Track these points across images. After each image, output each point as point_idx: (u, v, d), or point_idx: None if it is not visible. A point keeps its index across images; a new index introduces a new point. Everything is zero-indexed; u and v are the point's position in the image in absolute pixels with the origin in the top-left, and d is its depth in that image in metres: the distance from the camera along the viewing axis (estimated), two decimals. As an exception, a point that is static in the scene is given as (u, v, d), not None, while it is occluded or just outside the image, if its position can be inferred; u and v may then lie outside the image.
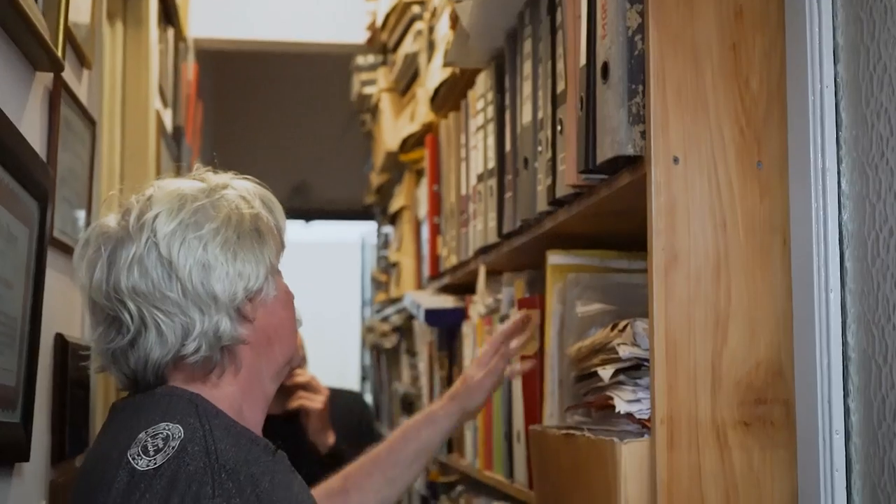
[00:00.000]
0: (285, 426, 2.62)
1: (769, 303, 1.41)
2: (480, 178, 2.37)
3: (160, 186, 1.44)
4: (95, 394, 1.97)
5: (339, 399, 2.96)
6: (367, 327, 4.64)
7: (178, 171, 1.56)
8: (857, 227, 1.29)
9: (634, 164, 1.48)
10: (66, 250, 1.79)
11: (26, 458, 1.47)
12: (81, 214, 1.86)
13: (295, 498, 1.42)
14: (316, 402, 2.71)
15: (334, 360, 6.55)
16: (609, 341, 1.57)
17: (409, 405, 3.78)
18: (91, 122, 1.92)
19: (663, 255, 1.41)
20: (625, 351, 1.51)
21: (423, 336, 3.36)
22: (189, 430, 1.31)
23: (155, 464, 1.27)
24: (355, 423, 3.16)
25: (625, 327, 1.53)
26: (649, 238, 1.42)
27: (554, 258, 1.91)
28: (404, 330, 3.86)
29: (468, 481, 2.75)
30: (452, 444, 2.88)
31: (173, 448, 1.28)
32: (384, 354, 4.52)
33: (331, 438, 2.73)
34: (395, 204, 3.94)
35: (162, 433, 1.30)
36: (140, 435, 1.30)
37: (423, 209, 3.31)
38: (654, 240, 1.41)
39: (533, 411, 1.99)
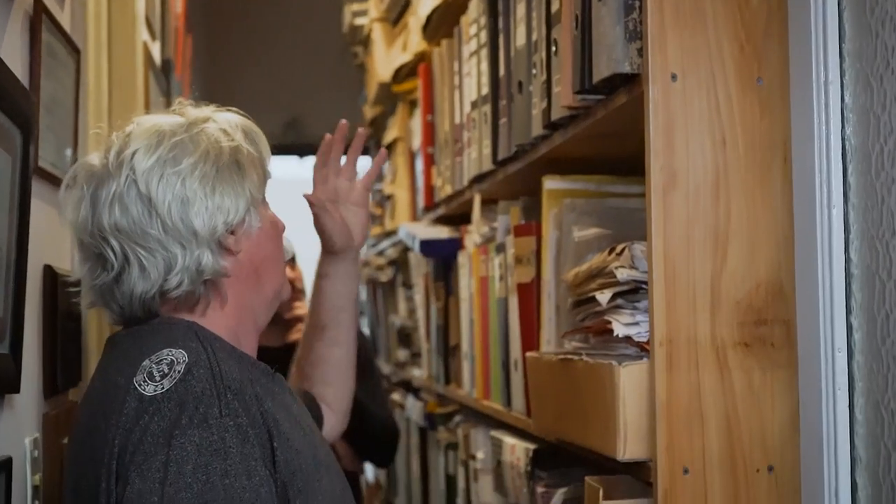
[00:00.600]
0: (284, 358, 2.61)
1: (770, 222, 1.38)
2: (474, 105, 2.33)
3: (139, 122, 1.44)
4: (88, 327, 1.95)
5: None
6: (363, 261, 4.62)
7: (168, 106, 1.56)
8: (860, 140, 1.26)
9: (631, 82, 1.45)
10: (53, 181, 1.76)
11: (16, 390, 1.45)
12: (67, 145, 1.82)
13: (294, 419, 1.43)
14: None
15: (331, 296, 6.51)
16: (606, 265, 1.54)
17: (405, 337, 3.77)
18: (75, 51, 1.88)
19: (661, 176, 1.38)
20: (623, 274, 1.48)
21: (419, 268, 3.34)
22: (192, 353, 1.33)
23: (162, 388, 1.29)
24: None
25: (622, 251, 1.51)
26: (647, 158, 1.39)
27: (550, 183, 1.88)
28: (400, 263, 3.84)
29: (466, 411, 2.75)
30: (450, 375, 2.87)
31: (179, 372, 1.31)
32: (380, 288, 4.50)
33: None
34: (389, 136, 3.90)
35: (166, 359, 1.33)
36: (144, 362, 1.33)
37: (416, 140, 3.27)
38: (651, 159, 1.39)
39: (530, 339, 1.98)
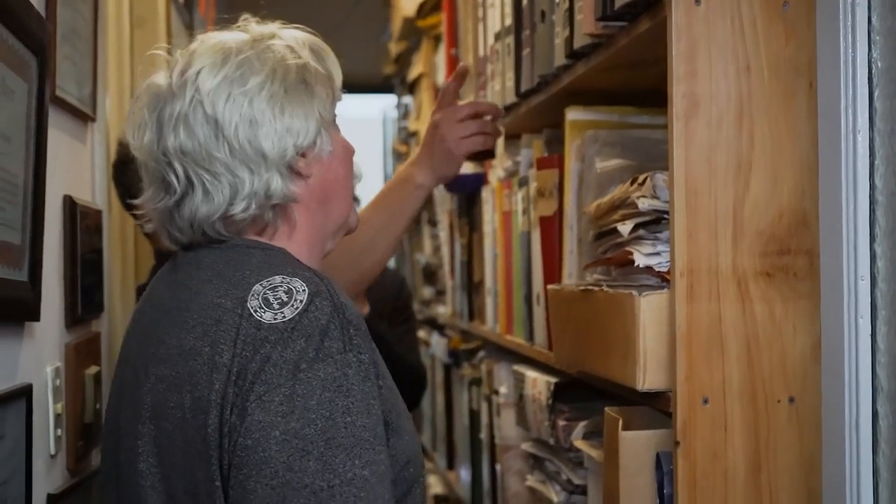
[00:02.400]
0: None
1: (794, 149, 1.36)
2: (497, 36, 2.30)
3: (203, 40, 1.37)
4: (110, 257, 1.95)
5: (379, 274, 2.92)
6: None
7: (191, 40, 1.45)
8: (887, 63, 1.23)
9: (654, 7, 1.42)
10: (73, 112, 1.76)
11: (36, 318, 1.45)
12: (87, 77, 1.81)
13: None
14: None
15: (358, 237, 6.50)
16: (628, 196, 1.52)
17: (430, 275, 3.77)
18: (93, -20, 1.86)
19: (684, 102, 1.36)
20: (644, 203, 1.46)
21: (444, 205, 3.33)
22: (311, 283, 1.27)
23: (283, 317, 1.23)
24: (391, 299, 3.13)
25: (644, 180, 1.48)
26: (669, 84, 1.37)
27: (573, 114, 1.86)
28: (425, 201, 3.82)
29: (490, 347, 2.75)
30: (474, 311, 2.87)
31: (301, 301, 1.25)
32: (406, 226, 4.50)
33: (364, 309, 2.71)
34: (414, 72, 3.88)
35: (282, 286, 1.26)
36: (255, 287, 1.26)
37: (441, 75, 3.25)
38: (674, 86, 1.36)
39: (552, 272, 1.96)
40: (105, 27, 2.03)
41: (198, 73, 1.32)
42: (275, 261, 1.31)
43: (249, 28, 1.40)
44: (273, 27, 1.41)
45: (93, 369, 1.77)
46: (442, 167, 1.98)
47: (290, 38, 1.40)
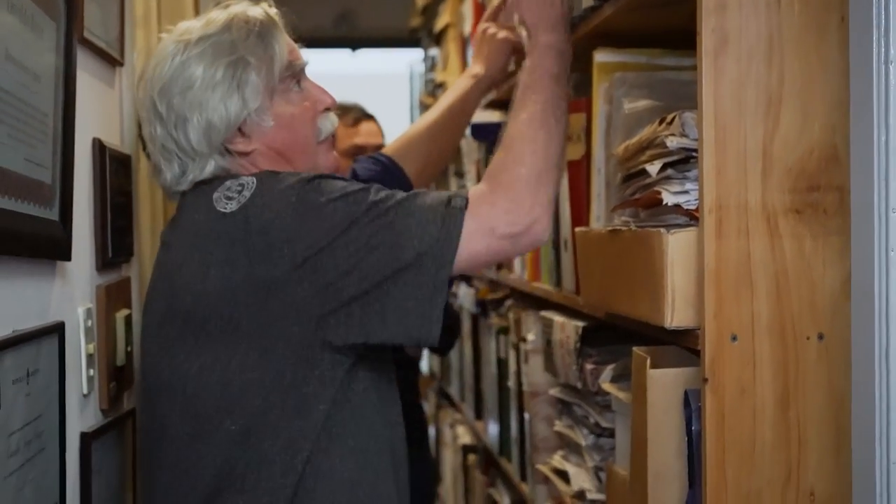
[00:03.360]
0: None
1: (825, 85, 1.35)
2: (525, -19, 2.28)
3: (164, 38, 1.63)
4: (139, 201, 1.96)
5: None
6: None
7: None
8: (920, -7, 1.21)
9: (683, -58, 1.40)
10: (102, 55, 1.76)
11: (67, 258, 1.46)
12: (115, 19, 1.81)
13: None
14: None
15: (385, 192, 6.49)
16: (657, 136, 1.51)
17: (457, 227, 3.76)
18: (120, -77, 1.86)
19: (713, 38, 1.35)
20: (672, 142, 1.45)
21: (471, 155, 3.32)
22: (259, 174, 1.54)
23: (245, 199, 1.49)
24: None
25: (673, 119, 1.47)
26: (698, 20, 1.36)
27: (600, 56, 1.85)
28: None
29: (517, 295, 2.75)
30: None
31: (252, 184, 1.51)
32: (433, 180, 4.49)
33: None
34: (440, 23, 3.85)
35: (235, 184, 1.52)
36: (215, 195, 1.52)
37: (467, 25, 3.23)
38: (703, 21, 1.35)
39: (580, 216, 1.96)
40: (132, -27, 2.03)
41: (154, 67, 1.60)
42: (231, 178, 1.56)
43: (209, 18, 1.62)
44: (234, 10, 1.63)
45: (123, 312, 1.79)
46: (493, 57, 2.19)
47: (238, 29, 1.60)
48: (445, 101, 2.23)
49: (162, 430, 1.54)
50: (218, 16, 1.62)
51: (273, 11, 1.66)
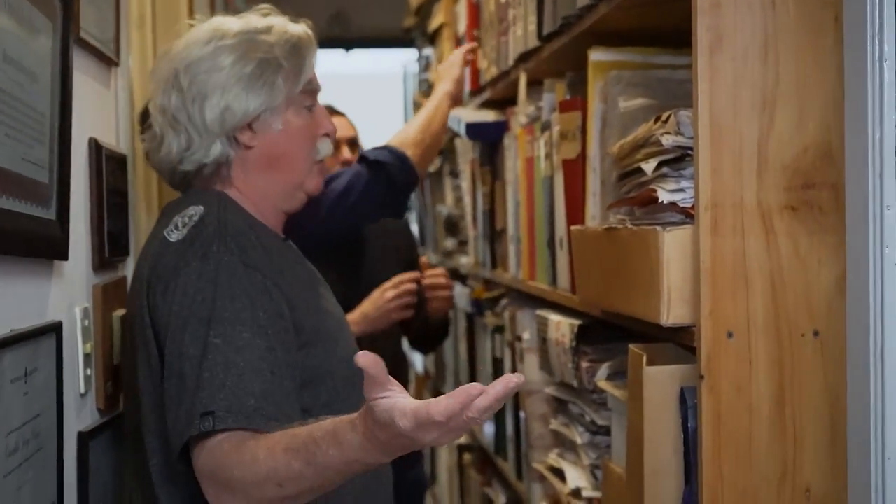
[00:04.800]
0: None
1: (819, 83, 1.35)
2: (519, -21, 2.29)
3: (208, 21, 1.71)
4: (136, 201, 1.96)
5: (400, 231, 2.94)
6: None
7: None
8: (915, -9, 1.22)
9: (678, -59, 1.41)
10: (98, 55, 1.76)
11: (64, 257, 1.47)
12: (110, 20, 1.81)
13: (299, 280, 1.69)
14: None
15: (379, 192, 6.49)
16: (652, 134, 1.52)
17: (452, 226, 3.77)
18: (115, -76, 1.86)
19: (708, 36, 1.35)
20: (668, 140, 1.46)
21: (466, 154, 3.33)
22: (207, 206, 1.61)
23: (182, 235, 1.58)
24: (413, 248, 3.13)
25: (668, 118, 1.48)
26: (693, 18, 1.36)
27: (596, 55, 1.85)
28: (447, 152, 3.82)
29: (513, 294, 2.76)
30: (496, 259, 2.87)
31: (195, 220, 1.59)
32: (428, 178, 4.50)
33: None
34: (435, 22, 3.85)
35: (189, 212, 1.61)
36: (175, 218, 1.61)
37: (462, 24, 3.23)
38: (698, 20, 1.35)
39: (575, 215, 1.96)
40: (127, -27, 2.03)
41: (185, 47, 1.66)
42: (200, 199, 1.65)
43: (250, 19, 1.71)
44: (273, 20, 1.72)
45: (120, 311, 1.79)
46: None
47: (278, 35, 1.70)
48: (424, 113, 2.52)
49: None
50: (258, 20, 1.73)
51: (311, 33, 1.77)
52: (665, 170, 1.49)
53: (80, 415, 1.61)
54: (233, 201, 1.68)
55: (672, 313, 1.40)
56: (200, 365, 1.46)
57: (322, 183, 1.82)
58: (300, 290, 1.66)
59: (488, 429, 3.12)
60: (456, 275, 3.80)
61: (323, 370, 1.62)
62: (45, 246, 1.38)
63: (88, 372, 1.63)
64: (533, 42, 2.17)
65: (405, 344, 3.01)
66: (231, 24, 1.70)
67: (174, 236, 1.58)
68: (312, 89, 1.75)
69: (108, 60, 1.81)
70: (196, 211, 1.61)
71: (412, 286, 2.54)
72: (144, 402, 1.57)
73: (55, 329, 1.41)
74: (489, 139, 2.88)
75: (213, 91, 1.65)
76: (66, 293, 1.55)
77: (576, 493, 1.93)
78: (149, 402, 1.56)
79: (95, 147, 1.68)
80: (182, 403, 1.45)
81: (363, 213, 2.36)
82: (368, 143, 3.00)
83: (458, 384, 3.80)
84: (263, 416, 1.43)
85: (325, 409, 1.51)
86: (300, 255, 1.79)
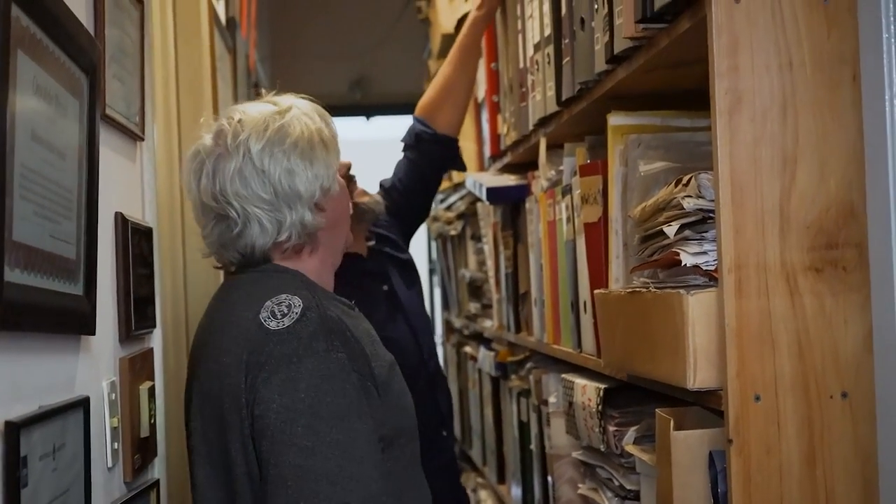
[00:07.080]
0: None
1: (839, 142, 1.36)
2: (537, 47, 2.32)
3: (244, 111, 1.79)
4: (163, 273, 1.98)
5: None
6: (433, 217, 4.61)
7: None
8: (931, 51, 1.22)
9: (694, 6, 1.42)
10: (123, 130, 1.79)
11: (92, 332, 1.48)
12: (135, 95, 1.84)
13: (371, 340, 1.79)
14: None
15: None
16: (673, 197, 1.53)
17: (476, 290, 3.78)
18: (139, 1, 1.90)
19: (727, 98, 1.36)
20: (689, 203, 1.47)
21: (487, 218, 3.34)
22: (305, 300, 1.69)
23: (283, 325, 1.65)
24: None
25: (689, 181, 1.49)
26: (711, 81, 1.37)
27: (615, 119, 1.87)
28: (469, 216, 3.84)
29: (537, 357, 2.75)
30: (520, 322, 2.87)
31: (296, 314, 1.66)
32: (450, 242, 4.51)
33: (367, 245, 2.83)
34: (454, 88, 3.87)
35: (285, 301, 1.68)
36: (267, 303, 1.68)
37: (481, 90, 3.26)
38: (716, 82, 1.37)
39: (598, 278, 1.97)
40: (150, 46, 2.06)
41: (247, 138, 1.74)
42: (285, 283, 1.73)
43: (275, 100, 1.82)
44: (289, 99, 1.83)
45: (147, 384, 1.80)
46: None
47: (305, 107, 1.82)
48: (456, 44, 2.86)
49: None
50: (283, 100, 1.82)
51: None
52: (687, 232, 1.50)
53: (108, 488, 1.61)
54: (310, 281, 1.77)
55: (698, 377, 1.39)
56: (327, 459, 1.58)
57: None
58: (373, 347, 1.77)
59: (516, 493, 3.09)
60: (480, 338, 3.80)
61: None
62: (73, 321, 1.39)
63: (116, 445, 1.63)
64: (552, 107, 2.19)
65: None
66: (264, 108, 1.79)
67: (273, 325, 1.65)
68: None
69: (133, 135, 1.84)
70: (293, 302, 1.68)
71: None
72: (238, 472, 1.66)
73: (83, 404, 1.41)
74: (510, 201, 2.90)
75: (298, 164, 1.74)
76: (93, 367, 1.56)
77: (607, 558, 1.90)
78: (241, 475, 1.66)
79: (122, 221, 1.69)
80: (309, 495, 1.57)
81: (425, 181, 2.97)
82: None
83: (484, 449, 3.78)
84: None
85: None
86: (366, 320, 1.87)
